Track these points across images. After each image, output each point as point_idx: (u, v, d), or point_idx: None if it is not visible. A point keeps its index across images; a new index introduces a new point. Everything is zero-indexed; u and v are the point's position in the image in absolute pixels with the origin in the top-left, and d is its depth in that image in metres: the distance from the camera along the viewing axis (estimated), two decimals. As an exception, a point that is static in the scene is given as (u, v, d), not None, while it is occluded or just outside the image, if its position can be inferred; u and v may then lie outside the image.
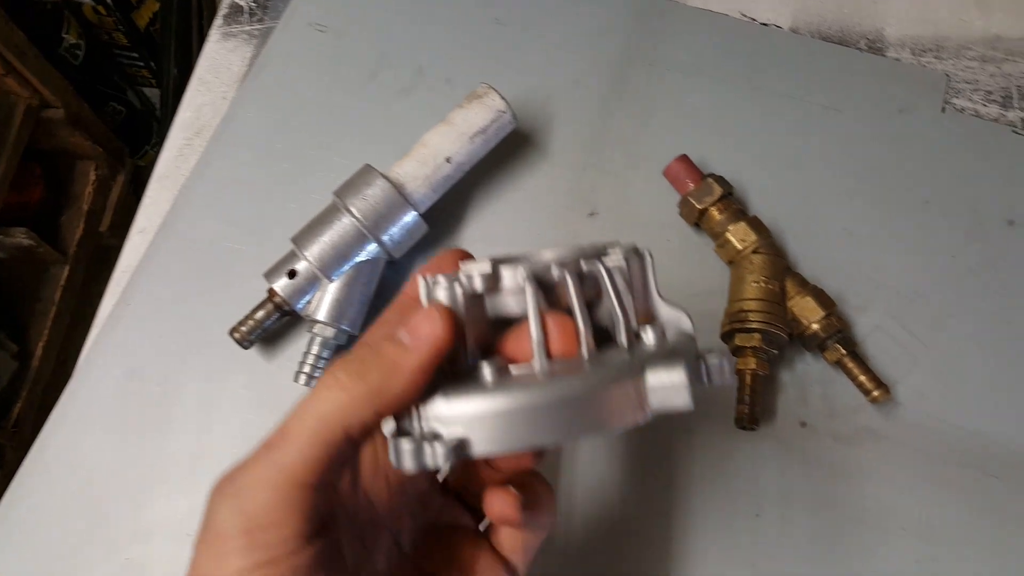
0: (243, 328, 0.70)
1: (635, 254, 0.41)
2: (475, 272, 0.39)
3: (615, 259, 0.40)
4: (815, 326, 0.67)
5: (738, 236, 0.70)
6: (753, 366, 0.66)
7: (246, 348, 0.70)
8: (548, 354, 0.38)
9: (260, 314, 0.70)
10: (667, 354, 0.38)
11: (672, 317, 0.42)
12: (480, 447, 0.36)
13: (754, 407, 0.65)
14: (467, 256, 0.45)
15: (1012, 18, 0.84)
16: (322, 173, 0.75)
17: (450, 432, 0.36)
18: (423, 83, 0.81)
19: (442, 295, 0.39)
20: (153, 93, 1.88)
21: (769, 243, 0.70)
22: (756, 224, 0.70)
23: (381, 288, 0.72)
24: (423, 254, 0.74)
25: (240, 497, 0.34)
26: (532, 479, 0.43)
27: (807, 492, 0.66)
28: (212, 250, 0.75)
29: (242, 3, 0.88)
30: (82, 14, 1.69)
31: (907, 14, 0.85)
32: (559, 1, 0.85)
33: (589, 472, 0.67)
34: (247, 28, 0.87)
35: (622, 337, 0.39)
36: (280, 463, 0.34)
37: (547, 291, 0.39)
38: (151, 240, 0.76)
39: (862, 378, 0.67)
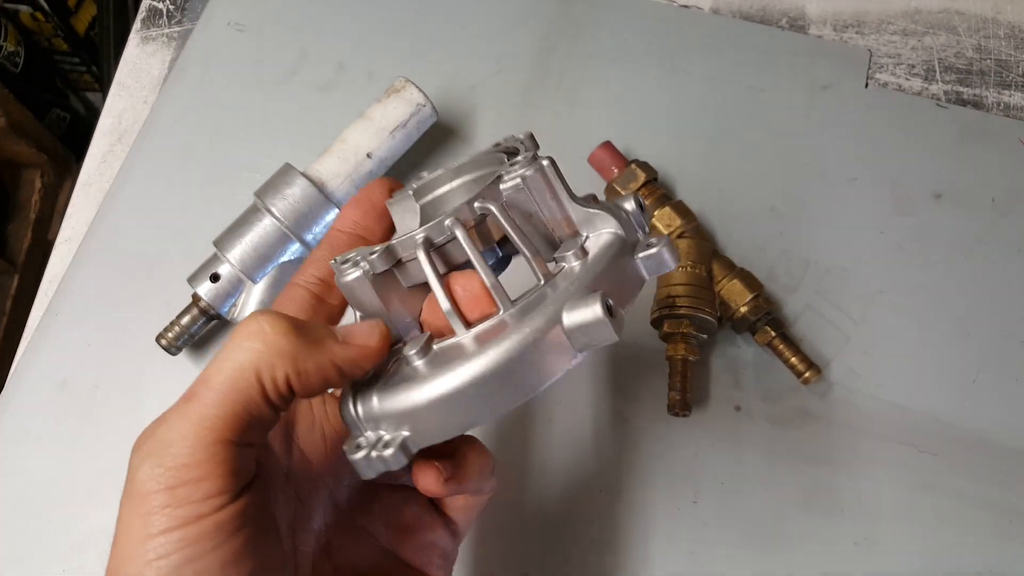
0: (169, 334, 0.69)
1: (535, 165, 0.39)
2: (374, 252, 0.38)
3: (512, 182, 0.38)
4: (744, 309, 0.67)
5: (663, 221, 0.69)
6: (683, 352, 0.66)
7: (174, 355, 0.70)
8: (465, 321, 0.37)
9: (186, 320, 0.69)
10: (586, 281, 0.36)
11: (594, 219, 0.39)
12: (424, 439, 0.35)
13: (686, 393, 0.65)
14: (397, 186, 0.46)
15: (931, -10, 0.84)
16: (246, 174, 0.74)
17: (395, 432, 0.35)
18: (345, 78, 0.80)
19: (351, 278, 0.38)
20: (97, 98, 1.85)
21: (695, 227, 0.70)
22: (681, 208, 0.70)
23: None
24: (350, 252, 0.73)
25: (160, 454, 0.33)
26: (463, 445, 0.42)
27: (744, 476, 0.66)
28: (138, 257, 0.74)
29: (160, 6, 0.87)
30: (19, 20, 1.66)
31: (828, -10, 0.85)
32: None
33: (523, 461, 0.67)
34: (166, 31, 0.86)
35: (538, 276, 0.37)
36: (199, 415, 0.33)
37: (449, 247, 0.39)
38: (77, 249, 0.75)
39: (793, 360, 0.67)
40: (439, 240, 0.38)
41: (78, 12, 1.70)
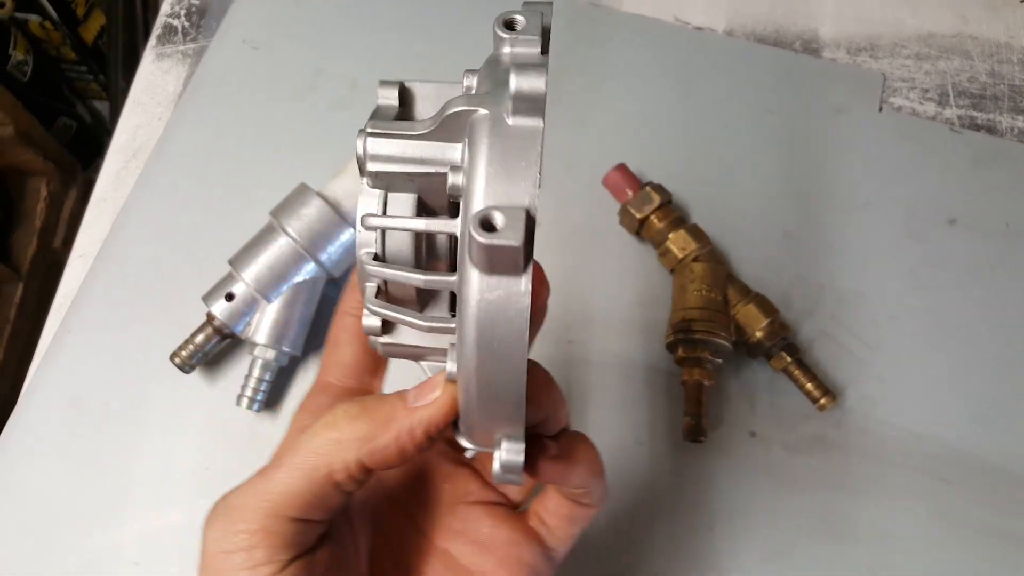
0: (183, 353, 0.69)
1: None
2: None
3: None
4: (759, 334, 0.67)
5: (678, 244, 0.69)
6: (698, 377, 0.66)
7: (187, 373, 0.69)
8: None
9: (200, 338, 0.69)
10: None
11: None
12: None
13: (701, 419, 0.65)
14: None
15: (944, 15, 0.84)
16: (261, 192, 0.74)
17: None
18: (359, 97, 0.81)
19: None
20: (103, 106, 1.85)
21: (710, 251, 0.70)
22: (696, 232, 0.70)
23: (322, 308, 0.71)
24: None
25: (225, 517, 0.35)
26: (575, 440, 0.41)
27: (759, 504, 0.66)
28: (152, 274, 0.74)
29: (175, 23, 0.87)
30: (28, 30, 1.67)
31: (841, 13, 0.85)
32: (493, 9, 0.84)
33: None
34: (181, 48, 0.86)
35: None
36: (265, 489, 0.35)
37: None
38: (91, 265, 0.75)
39: (809, 386, 0.67)
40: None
41: (87, 21, 1.70)
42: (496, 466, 0.33)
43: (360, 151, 0.33)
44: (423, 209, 0.36)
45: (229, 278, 0.68)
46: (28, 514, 0.67)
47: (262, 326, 0.67)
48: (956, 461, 0.67)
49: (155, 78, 0.85)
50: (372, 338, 0.38)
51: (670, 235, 0.70)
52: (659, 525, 0.66)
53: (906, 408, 0.69)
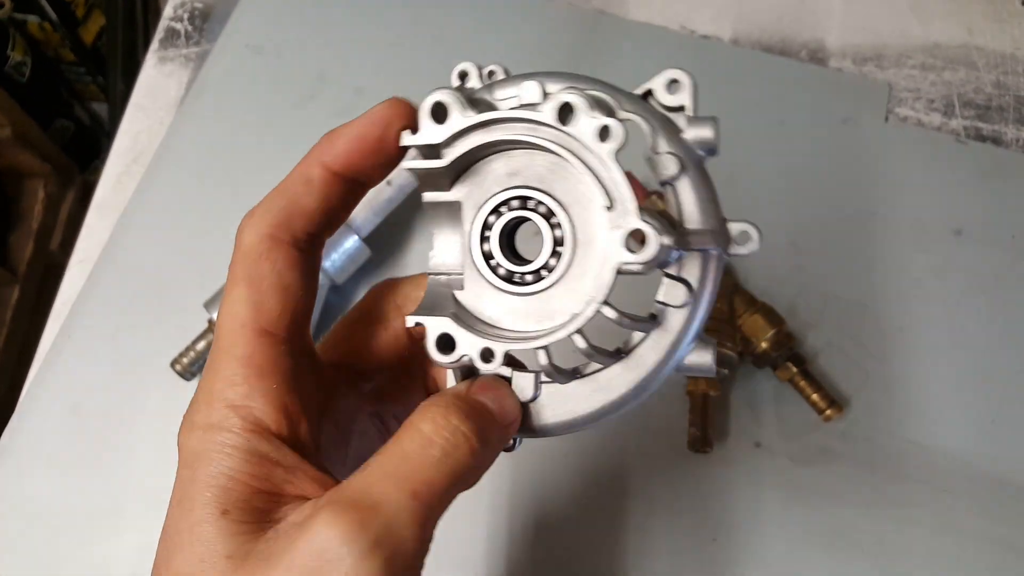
0: (184, 360, 0.69)
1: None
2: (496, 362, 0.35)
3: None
4: (765, 344, 0.66)
5: (685, 254, 0.69)
6: (704, 388, 0.65)
7: (188, 380, 0.69)
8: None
9: (201, 345, 0.69)
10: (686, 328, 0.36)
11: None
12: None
13: (706, 430, 0.65)
14: (410, 115, 0.37)
15: (950, 25, 0.84)
16: (262, 197, 0.73)
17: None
18: (363, 103, 0.78)
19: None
20: (102, 108, 1.85)
21: (716, 260, 0.69)
22: (702, 241, 0.69)
23: (324, 314, 0.71)
24: (367, 279, 0.73)
25: (381, 543, 0.30)
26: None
27: (764, 514, 0.66)
28: (153, 280, 0.74)
29: (178, 27, 0.86)
30: (27, 31, 1.66)
31: (847, 23, 0.84)
32: (498, 17, 0.84)
33: (539, 495, 0.66)
34: (184, 52, 0.85)
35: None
36: (429, 519, 0.32)
37: None
38: (91, 271, 0.75)
39: (814, 396, 0.66)
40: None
41: (86, 22, 1.70)
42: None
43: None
44: None
45: (232, 285, 0.68)
46: (28, 521, 0.67)
47: (265, 333, 0.67)
48: (961, 472, 0.67)
49: (157, 82, 0.84)
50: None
51: (676, 244, 0.69)
52: (663, 535, 0.65)
53: (912, 419, 0.68)
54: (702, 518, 0.66)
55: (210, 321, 0.68)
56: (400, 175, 0.69)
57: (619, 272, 0.32)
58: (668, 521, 0.65)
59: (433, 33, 0.84)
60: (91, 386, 0.71)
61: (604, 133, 0.33)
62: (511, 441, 0.36)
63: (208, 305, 0.68)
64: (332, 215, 0.37)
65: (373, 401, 0.42)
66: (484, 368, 0.34)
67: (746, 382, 0.70)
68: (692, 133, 0.37)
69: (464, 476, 0.33)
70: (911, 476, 0.67)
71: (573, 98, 0.33)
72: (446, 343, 0.35)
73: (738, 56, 0.83)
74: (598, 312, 0.33)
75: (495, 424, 0.34)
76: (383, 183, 0.68)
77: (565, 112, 0.34)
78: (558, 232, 0.35)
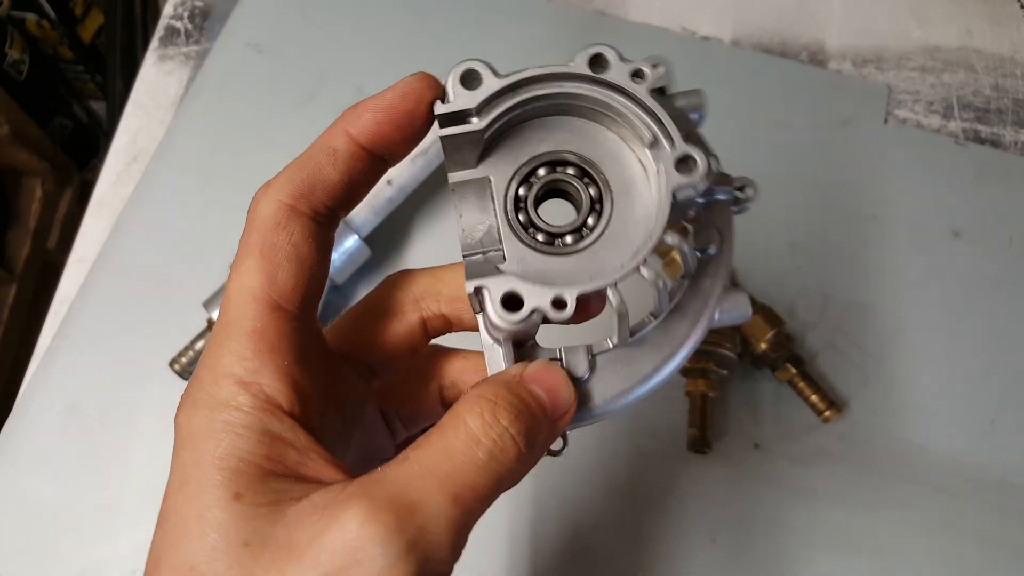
0: (183, 359, 0.69)
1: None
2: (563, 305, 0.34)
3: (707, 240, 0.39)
4: (764, 345, 0.66)
5: (684, 255, 0.69)
6: (703, 388, 0.65)
7: (187, 379, 0.69)
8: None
9: (200, 345, 0.68)
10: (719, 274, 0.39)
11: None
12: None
13: (706, 430, 0.65)
14: (436, 88, 0.36)
15: (949, 28, 0.84)
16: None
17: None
18: (364, 104, 0.80)
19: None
20: (100, 106, 1.84)
21: (715, 261, 0.69)
22: (702, 243, 0.70)
23: (324, 313, 0.71)
24: (367, 278, 0.73)
25: (417, 545, 0.29)
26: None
27: (762, 516, 0.66)
28: (152, 279, 0.73)
29: (178, 25, 0.86)
30: (26, 28, 1.66)
31: (847, 25, 0.85)
32: (499, 18, 0.84)
33: (538, 496, 0.66)
34: (183, 50, 0.85)
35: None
36: (467, 525, 0.31)
37: None
38: (89, 270, 0.74)
39: (813, 397, 0.67)
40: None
41: (84, 21, 1.69)
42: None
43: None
44: None
45: (231, 284, 0.68)
46: (25, 521, 0.67)
47: (264, 333, 0.67)
48: (960, 473, 0.67)
49: (157, 80, 0.84)
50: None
51: (675, 245, 0.69)
52: (662, 535, 0.65)
53: (910, 420, 0.68)
54: (701, 518, 0.66)
55: (209, 320, 0.68)
56: (400, 175, 0.69)
57: (675, 198, 0.34)
58: (667, 521, 0.66)
59: (433, 32, 0.84)
60: (89, 385, 0.70)
61: (639, 74, 0.35)
62: (561, 443, 0.36)
63: (207, 304, 0.68)
64: (354, 190, 0.36)
65: (379, 398, 0.42)
66: (556, 317, 0.33)
67: (745, 383, 0.70)
68: (683, 100, 0.38)
69: (508, 481, 0.32)
70: (910, 477, 0.67)
71: (603, 49, 0.35)
72: (512, 301, 0.33)
73: (738, 57, 0.83)
74: (661, 240, 0.34)
75: (545, 422, 0.33)
76: (383, 182, 0.69)
77: (597, 62, 0.35)
78: (593, 190, 0.36)
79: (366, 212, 0.69)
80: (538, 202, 0.37)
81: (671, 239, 0.34)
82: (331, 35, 0.83)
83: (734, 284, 0.39)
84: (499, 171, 0.37)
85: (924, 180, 0.77)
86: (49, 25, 1.65)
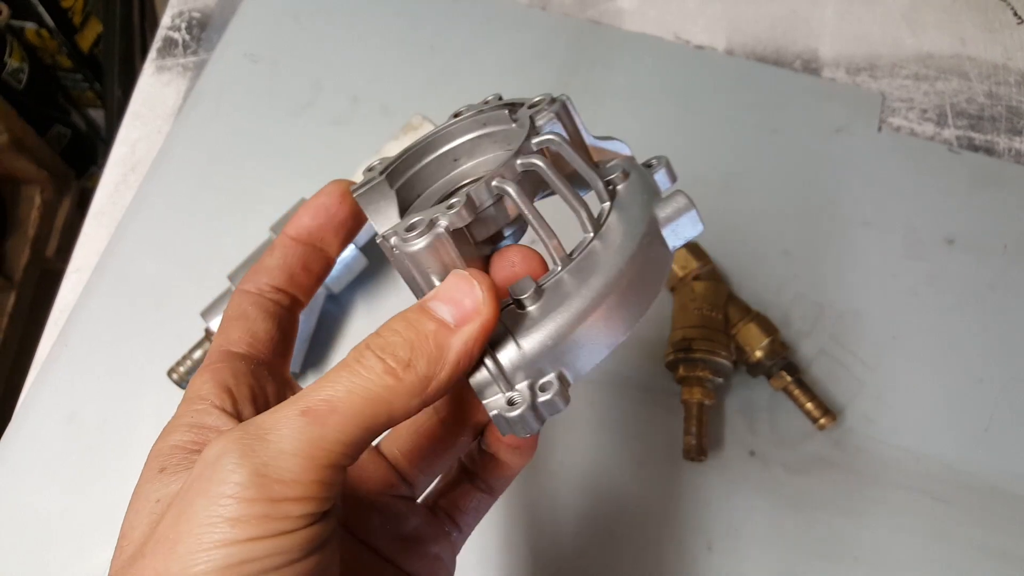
0: (181, 369, 0.69)
1: (559, 109, 0.38)
2: (452, 206, 0.34)
3: (548, 133, 0.37)
4: (759, 353, 0.67)
5: (679, 263, 0.69)
6: (699, 396, 0.65)
7: (184, 388, 0.69)
8: (562, 255, 0.36)
9: (198, 354, 0.69)
10: (645, 190, 0.37)
11: (611, 148, 0.41)
12: (583, 366, 0.34)
13: (701, 438, 0.65)
14: (349, 184, 0.42)
15: (943, 36, 0.85)
16: (260, 206, 0.74)
17: (543, 376, 0.34)
18: (359, 112, 0.80)
19: (428, 241, 0.34)
20: (99, 115, 1.85)
21: (710, 269, 0.70)
22: (696, 250, 0.70)
23: (321, 323, 0.71)
24: (364, 287, 0.73)
25: (267, 463, 0.30)
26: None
27: (758, 524, 0.66)
28: (150, 289, 0.74)
29: (176, 36, 0.87)
30: (25, 37, 1.66)
31: (840, 33, 0.85)
32: (494, 26, 0.85)
33: (533, 504, 0.66)
34: (181, 61, 0.86)
35: (604, 200, 0.37)
36: (318, 437, 0.31)
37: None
38: (88, 279, 0.75)
39: (808, 405, 0.67)
40: (486, 200, 0.36)
41: (83, 30, 1.70)
42: (550, 398, 0.33)
43: None
44: None
45: (228, 294, 0.68)
46: (25, 531, 0.67)
47: (261, 342, 0.67)
48: (955, 481, 0.67)
49: (155, 91, 0.84)
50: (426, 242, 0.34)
51: (670, 254, 0.70)
52: (658, 544, 0.65)
53: (905, 428, 0.69)
54: (697, 526, 0.66)
55: (207, 330, 0.68)
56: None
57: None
58: (663, 530, 0.66)
59: (428, 41, 0.84)
60: (88, 394, 0.71)
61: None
62: (535, 422, 0.34)
63: (205, 314, 0.68)
64: (291, 271, 0.42)
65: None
66: (451, 217, 0.34)
67: (740, 391, 0.70)
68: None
69: (386, 398, 0.32)
70: (905, 485, 0.67)
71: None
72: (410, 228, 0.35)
73: (732, 66, 0.84)
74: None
75: (437, 333, 0.33)
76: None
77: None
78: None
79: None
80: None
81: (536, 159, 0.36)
82: (327, 45, 0.84)
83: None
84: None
85: (918, 187, 0.77)
86: (48, 34, 1.66)
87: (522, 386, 0.34)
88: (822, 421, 0.66)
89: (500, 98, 0.42)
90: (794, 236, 0.75)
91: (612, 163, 0.39)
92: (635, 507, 0.66)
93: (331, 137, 0.79)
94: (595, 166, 0.39)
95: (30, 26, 1.64)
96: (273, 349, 0.40)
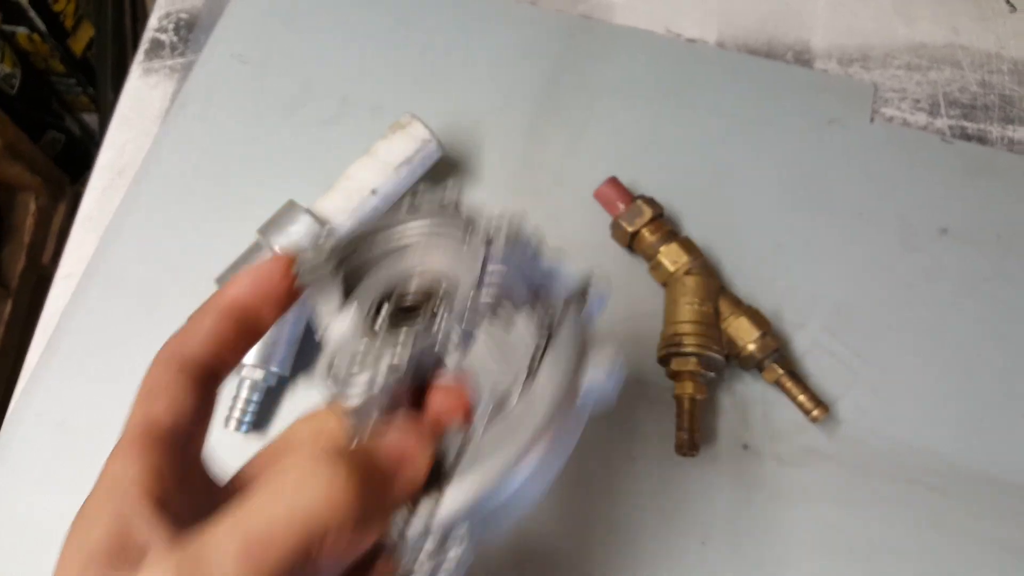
0: (172, 373, 0.68)
1: (512, 235, 0.38)
2: (397, 369, 0.36)
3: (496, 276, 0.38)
4: (751, 346, 0.66)
5: (670, 258, 0.69)
6: (691, 391, 0.65)
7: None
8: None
9: (191, 357, 0.68)
10: (576, 343, 0.38)
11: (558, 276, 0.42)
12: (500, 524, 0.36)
13: (694, 433, 0.65)
14: (293, 260, 0.42)
15: (935, 26, 0.84)
16: (249, 209, 0.73)
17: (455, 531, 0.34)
18: (349, 113, 0.80)
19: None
20: (92, 119, 1.85)
21: (702, 263, 0.69)
22: (687, 245, 0.70)
23: (310, 327, 0.71)
24: (354, 288, 0.72)
25: None
26: None
27: (752, 517, 0.66)
28: (140, 293, 0.73)
29: (163, 37, 0.86)
30: (16, 42, 1.66)
31: (832, 24, 0.85)
32: (485, 24, 0.84)
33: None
34: (168, 63, 0.85)
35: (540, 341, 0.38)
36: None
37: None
38: (77, 285, 0.74)
39: (801, 397, 0.66)
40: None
41: (75, 33, 1.70)
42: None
43: None
44: None
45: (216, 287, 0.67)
46: (12, 538, 0.66)
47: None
48: (949, 472, 0.67)
49: (142, 93, 0.84)
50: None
51: (661, 248, 0.69)
52: (651, 539, 0.65)
53: (899, 419, 0.68)
54: (690, 521, 0.65)
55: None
56: (385, 184, 0.69)
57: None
58: (656, 525, 0.65)
59: (418, 40, 0.84)
60: (78, 401, 0.70)
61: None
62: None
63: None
64: (220, 341, 0.40)
65: None
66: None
67: (732, 385, 0.70)
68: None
69: (318, 528, 0.31)
70: (900, 476, 0.67)
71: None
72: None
73: (724, 59, 0.83)
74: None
75: (384, 477, 0.34)
76: (368, 192, 0.69)
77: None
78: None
79: (352, 223, 0.69)
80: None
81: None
82: (316, 45, 0.83)
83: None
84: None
85: (911, 178, 0.77)
86: (40, 38, 1.66)
87: (435, 542, 0.34)
88: (815, 413, 0.66)
89: (457, 206, 0.42)
90: (786, 229, 0.75)
91: (553, 299, 0.40)
92: (628, 502, 0.66)
93: (321, 138, 0.79)
94: (536, 298, 0.40)
95: (21, 31, 1.63)
96: (198, 422, 0.39)
